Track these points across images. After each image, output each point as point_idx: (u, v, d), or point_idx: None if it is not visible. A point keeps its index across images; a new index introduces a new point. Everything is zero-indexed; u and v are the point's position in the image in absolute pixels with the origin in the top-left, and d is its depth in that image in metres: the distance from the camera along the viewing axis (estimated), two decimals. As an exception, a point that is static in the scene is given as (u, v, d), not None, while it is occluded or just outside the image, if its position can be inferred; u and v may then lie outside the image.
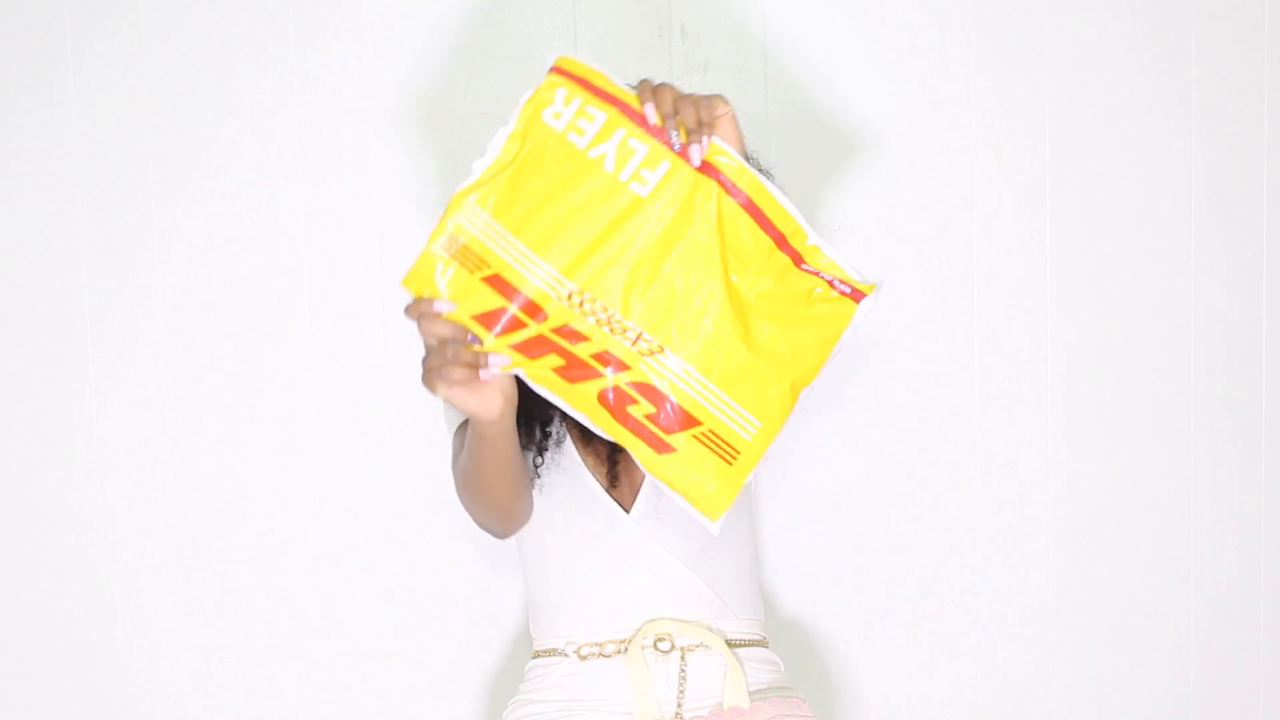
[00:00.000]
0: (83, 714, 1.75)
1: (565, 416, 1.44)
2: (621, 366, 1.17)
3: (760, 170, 1.27)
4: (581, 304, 1.16)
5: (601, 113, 1.15)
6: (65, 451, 1.73)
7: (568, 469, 1.44)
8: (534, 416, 1.45)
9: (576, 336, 1.17)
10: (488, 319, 1.17)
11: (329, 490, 1.74)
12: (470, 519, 1.42)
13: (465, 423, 1.46)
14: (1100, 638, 1.83)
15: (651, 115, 1.15)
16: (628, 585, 1.41)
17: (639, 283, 1.16)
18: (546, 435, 1.46)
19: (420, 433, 1.70)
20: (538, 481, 1.45)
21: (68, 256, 1.71)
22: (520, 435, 1.44)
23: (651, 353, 1.17)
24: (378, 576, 1.75)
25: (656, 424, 1.18)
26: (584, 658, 1.43)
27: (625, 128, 1.15)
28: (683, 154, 1.15)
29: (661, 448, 1.19)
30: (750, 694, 1.43)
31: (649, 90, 1.16)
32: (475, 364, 1.16)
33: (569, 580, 1.45)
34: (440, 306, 1.16)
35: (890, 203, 1.76)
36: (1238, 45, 1.79)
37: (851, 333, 1.18)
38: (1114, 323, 1.81)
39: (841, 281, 1.18)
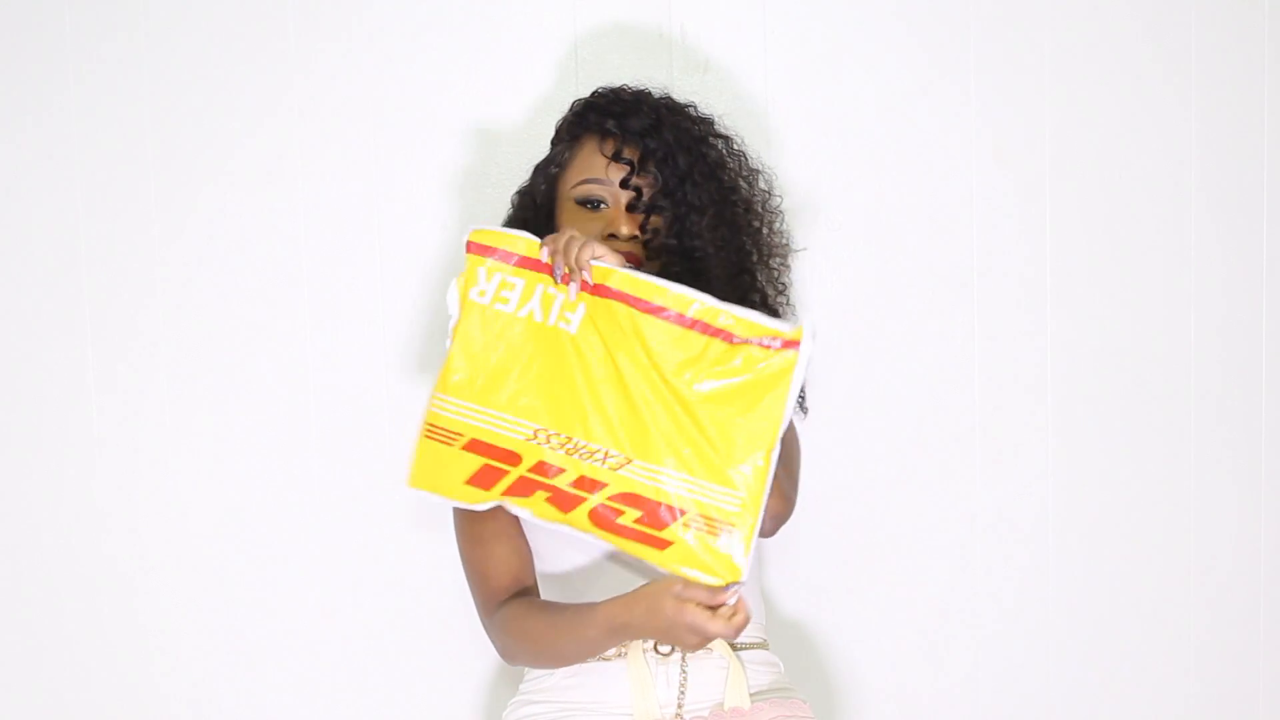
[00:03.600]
0: (78, 714, 1.75)
1: None
2: (598, 486, 1.28)
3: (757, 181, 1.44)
4: (549, 439, 1.29)
5: (519, 279, 1.32)
6: (64, 451, 1.73)
7: None
8: None
9: (553, 470, 1.29)
10: (477, 478, 1.31)
11: (328, 490, 1.74)
12: (502, 651, 1.47)
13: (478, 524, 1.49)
14: (1100, 637, 1.83)
15: (544, 254, 1.31)
16: None
17: (593, 408, 1.29)
18: None
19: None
20: None
21: (68, 256, 1.71)
22: None
23: (621, 465, 1.28)
24: (377, 576, 1.75)
25: (647, 525, 1.28)
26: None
27: (543, 283, 1.31)
28: (564, 282, 1.30)
29: (660, 544, 1.28)
30: (750, 695, 1.43)
31: (550, 239, 1.31)
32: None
33: (570, 594, 1.45)
34: (730, 598, 1.26)
35: (890, 202, 1.76)
36: (1238, 45, 1.79)
37: (798, 382, 1.26)
38: (1114, 322, 1.81)
39: (771, 338, 1.26)
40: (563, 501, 1.29)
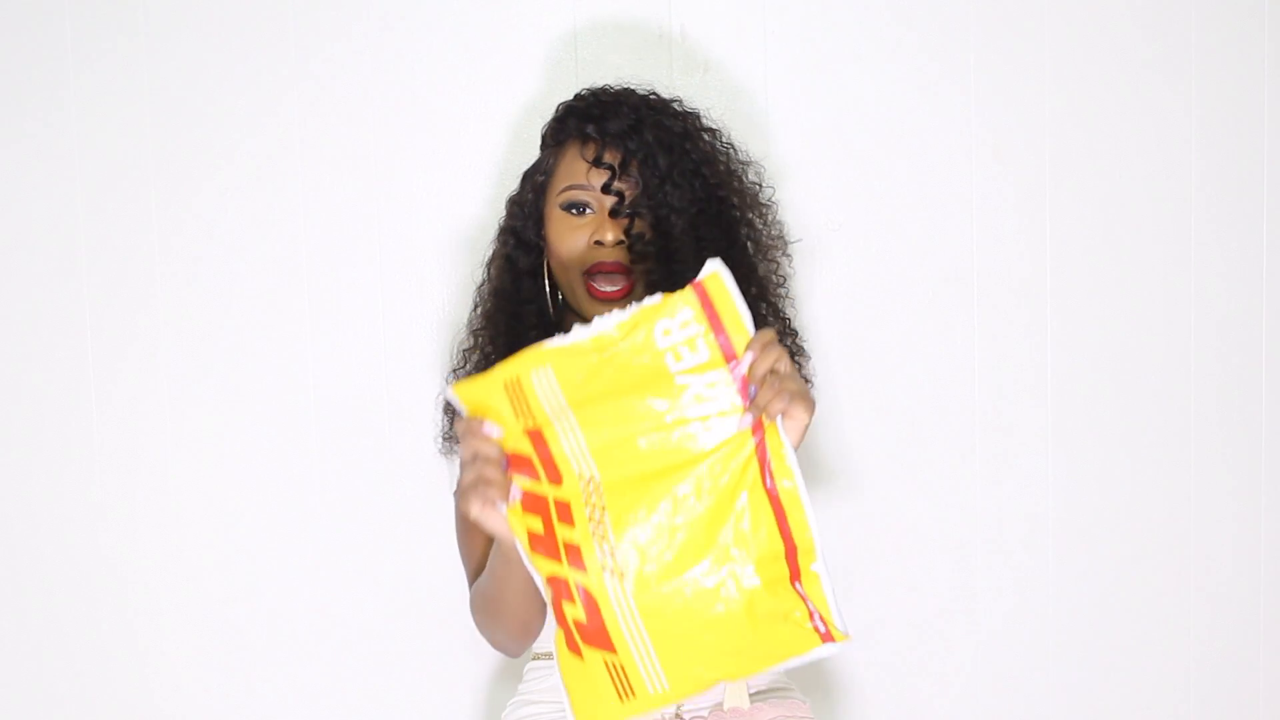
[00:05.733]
0: (77, 715, 1.75)
1: None
2: (580, 567, 1.19)
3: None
4: (591, 495, 1.18)
5: (707, 350, 1.17)
6: (64, 452, 1.73)
7: None
8: None
9: (567, 518, 1.19)
10: (512, 460, 1.21)
11: (328, 491, 1.74)
12: (484, 637, 1.43)
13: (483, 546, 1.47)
14: (1100, 638, 1.83)
15: (743, 365, 1.17)
16: None
17: (645, 510, 1.18)
18: None
19: (420, 434, 1.70)
20: None
21: (68, 256, 1.71)
22: None
23: (613, 573, 1.18)
24: (377, 577, 1.75)
25: (580, 630, 1.20)
26: (583, 660, 1.43)
27: (721, 373, 1.17)
28: (743, 394, 1.16)
29: (574, 649, 1.21)
30: (750, 695, 1.43)
31: (759, 343, 1.17)
32: (506, 488, 1.20)
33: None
34: (490, 430, 1.20)
35: (890, 202, 1.76)
36: (1238, 45, 1.79)
37: (801, 661, 1.19)
38: (1113, 322, 1.81)
39: (821, 619, 1.18)
40: (542, 545, 1.20)
